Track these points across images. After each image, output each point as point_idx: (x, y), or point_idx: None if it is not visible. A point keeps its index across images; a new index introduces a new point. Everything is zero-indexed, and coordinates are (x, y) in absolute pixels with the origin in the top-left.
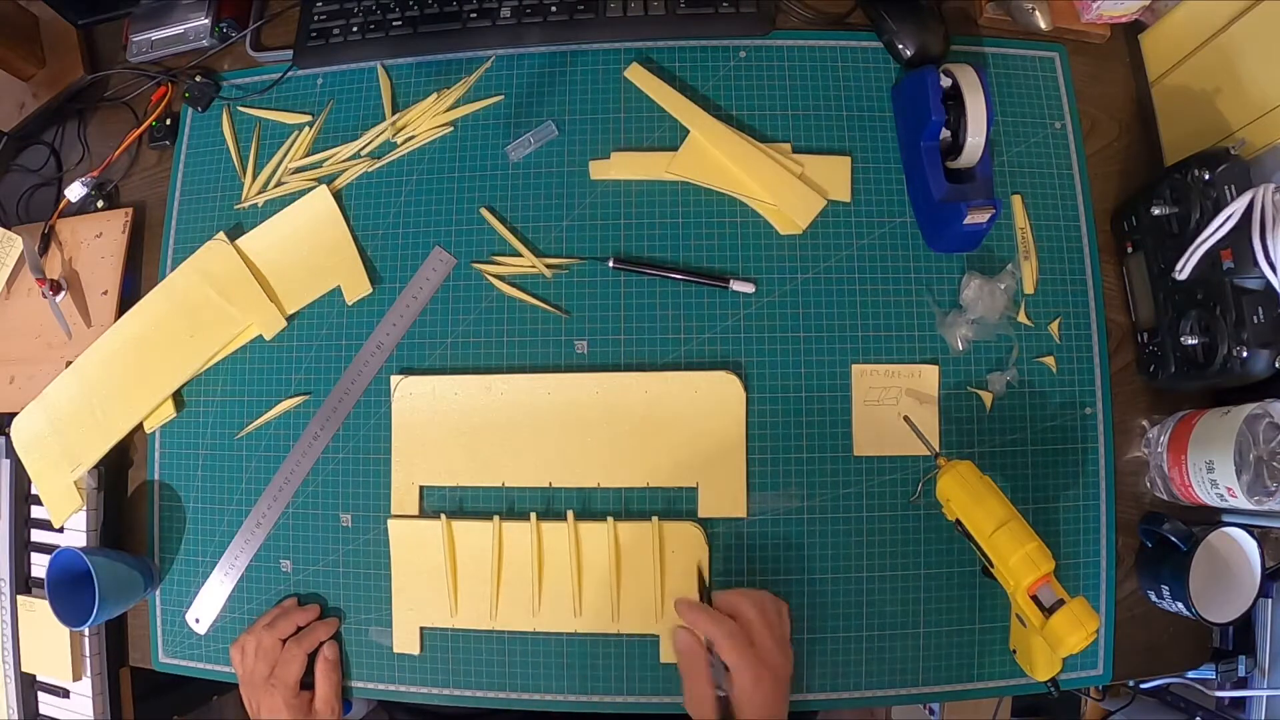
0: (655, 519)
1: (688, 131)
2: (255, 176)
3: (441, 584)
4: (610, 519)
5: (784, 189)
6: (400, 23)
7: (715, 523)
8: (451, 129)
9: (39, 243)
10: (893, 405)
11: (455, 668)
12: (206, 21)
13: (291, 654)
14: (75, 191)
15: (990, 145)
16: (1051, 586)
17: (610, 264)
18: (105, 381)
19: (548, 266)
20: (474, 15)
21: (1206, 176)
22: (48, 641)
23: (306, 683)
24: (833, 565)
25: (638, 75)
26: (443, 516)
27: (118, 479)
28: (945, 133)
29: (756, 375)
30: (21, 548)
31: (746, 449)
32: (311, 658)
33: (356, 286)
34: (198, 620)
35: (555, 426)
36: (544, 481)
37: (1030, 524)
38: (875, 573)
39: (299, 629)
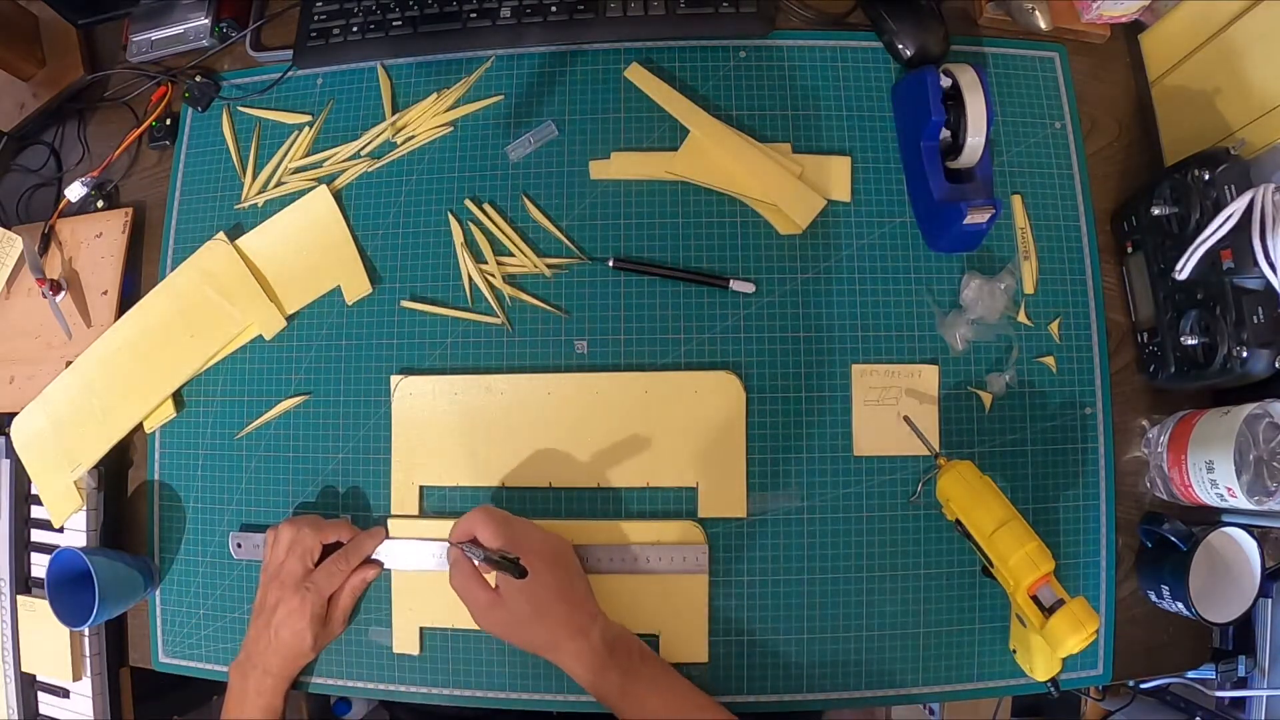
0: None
1: (688, 131)
2: (255, 176)
3: (442, 584)
4: (609, 520)
5: (784, 189)
6: (400, 23)
7: (715, 523)
8: (451, 129)
9: (39, 243)
10: (893, 405)
11: (455, 668)
12: (206, 21)
13: (338, 568)
14: (75, 191)
15: (990, 145)
16: (1051, 586)
17: (610, 264)
18: (105, 381)
19: (548, 266)
20: (474, 15)
21: (1206, 176)
22: (48, 641)
23: None
24: (833, 565)
25: (638, 75)
26: (442, 517)
27: (118, 479)
28: (945, 133)
29: (756, 375)
30: (21, 548)
31: (746, 449)
32: None
33: (356, 286)
34: None
35: (555, 427)
36: (544, 482)
37: (1030, 524)
38: (875, 573)
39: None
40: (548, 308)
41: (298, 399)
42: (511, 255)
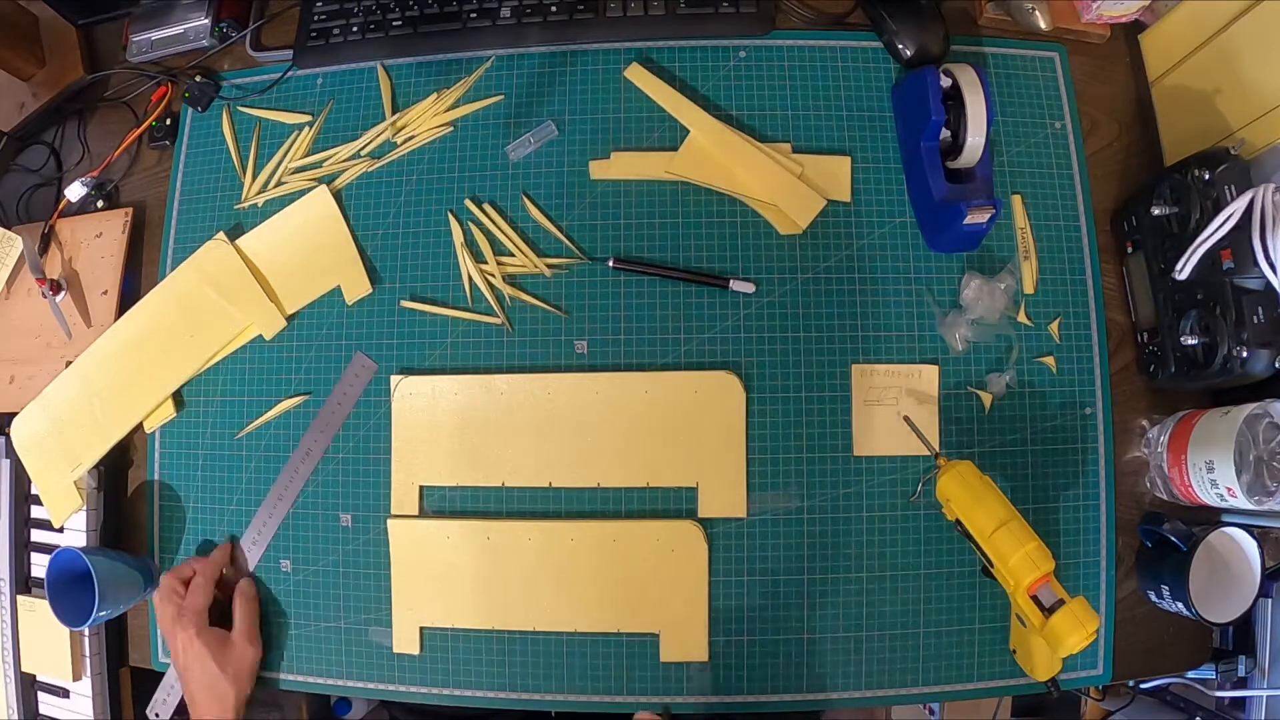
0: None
1: (688, 131)
2: (255, 176)
3: (441, 584)
4: (609, 519)
5: (784, 189)
6: (400, 23)
7: (715, 523)
8: (451, 129)
9: (39, 243)
10: (893, 405)
11: (455, 668)
12: (206, 21)
13: (195, 584)
14: (75, 191)
15: (990, 145)
16: (1051, 586)
17: (610, 264)
18: (105, 381)
19: (548, 266)
20: (474, 15)
21: (1206, 176)
22: (48, 641)
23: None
24: (833, 565)
25: (638, 75)
26: (442, 516)
27: (118, 479)
28: (945, 133)
29: (756, 375)
30: (21, 548)
31: (746, 449)
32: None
33: (356, 286)
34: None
35: (555, 427)
36: (544, 481)
37: (1030, 524)
38: (875, 573)
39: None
40: (548, 308)
41: (298, 399)
42: (511, 255)
